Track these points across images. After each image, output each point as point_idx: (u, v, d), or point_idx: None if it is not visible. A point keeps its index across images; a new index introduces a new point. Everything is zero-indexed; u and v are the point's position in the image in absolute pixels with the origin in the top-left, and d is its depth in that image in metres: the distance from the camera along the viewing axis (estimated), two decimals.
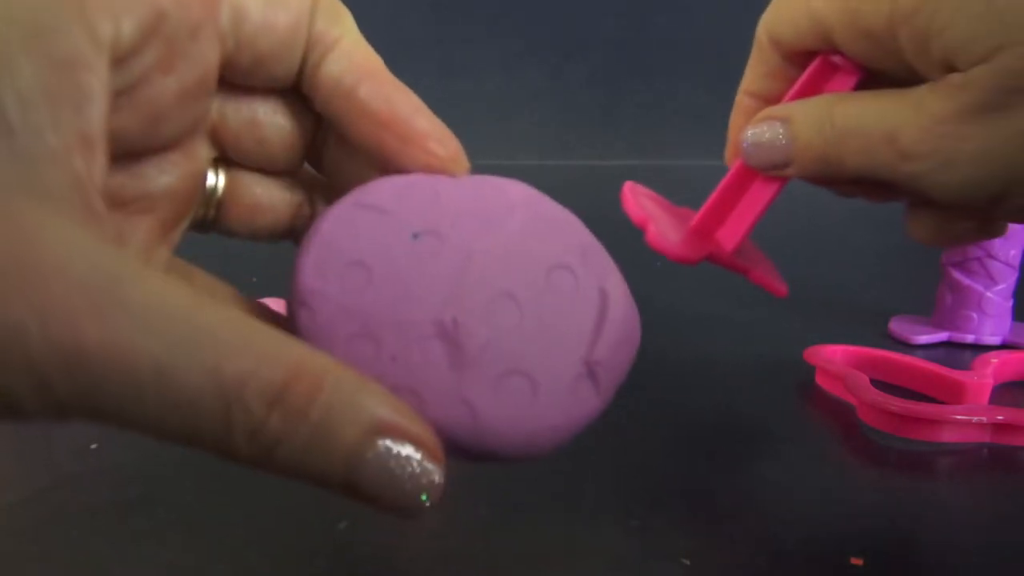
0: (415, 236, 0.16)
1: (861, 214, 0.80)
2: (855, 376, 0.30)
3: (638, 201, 0.24)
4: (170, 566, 0.19)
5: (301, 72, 0.17)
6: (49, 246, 0.12)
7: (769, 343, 0.37)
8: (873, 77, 0.22)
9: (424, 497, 0.15)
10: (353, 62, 0.17)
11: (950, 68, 0.19)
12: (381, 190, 0.16)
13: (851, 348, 0.33)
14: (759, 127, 0.22)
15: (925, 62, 0.19)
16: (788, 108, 0.22)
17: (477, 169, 0.18)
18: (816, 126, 0.21)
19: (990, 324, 0.37)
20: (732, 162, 0.25)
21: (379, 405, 0.15)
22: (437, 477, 0.15)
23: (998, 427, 0.27)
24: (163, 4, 0.15)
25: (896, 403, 0.27)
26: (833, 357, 0.32)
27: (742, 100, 0.25)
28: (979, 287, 0.37)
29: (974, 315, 0.37)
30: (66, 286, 0.12)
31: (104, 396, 0.13)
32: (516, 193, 0.17)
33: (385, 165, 0.17)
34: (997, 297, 0.37)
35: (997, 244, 0.36)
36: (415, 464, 0.15)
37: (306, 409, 0.14)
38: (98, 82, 0.13)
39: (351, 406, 0.14)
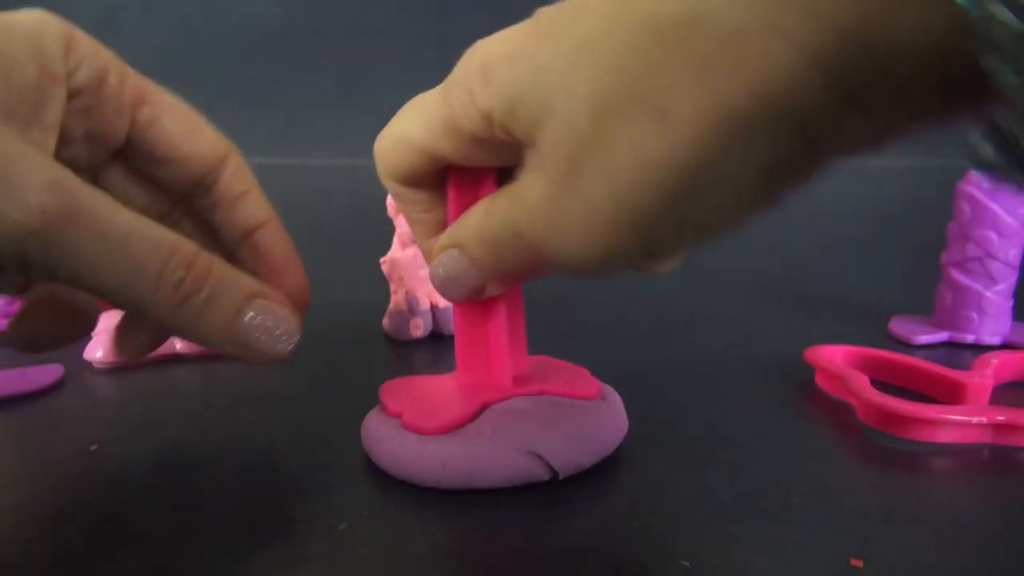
0: None
1: (862, 214, 0.80)
2: (855, 376, 0.30)
3: (391, 399, 0.25)
4: (169, 567, 0.19)
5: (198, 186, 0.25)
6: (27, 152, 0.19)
7: (769, 343, 0.37)
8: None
9: (293, 340, 0.21)
10: (262, 212, 0.25)
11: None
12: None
13: (851, 348, 0.33)
14: (439, 260, 0.22)
15: (522, 150, 0.19)
16: (454, 231, 0.22)
17: None
18: (482, 243, 0.21)
19: (990, 324, 0.37)
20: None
21: (252, 280, 0.21)
22: (296, 330, 0.21)
23: (998, 427, 0.27)
24: (109, 76, 0.22)
25: (896, 403, 0.27)
26: (833, 357, 0.32)
27: (426, 248, 0.25)
28: (979, 287, 0.37)
29: (974, 315, 0.37)
30: (63, 170, 0.19)
31: (77, 253, 0.18)
32: None
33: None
34: (997, 297, 0.37)
35: (997, 244, 0.36)
36: (281, 319, 0.21)
37: (208, 273, 0.20)
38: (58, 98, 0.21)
39: (235, 278, 0.21)
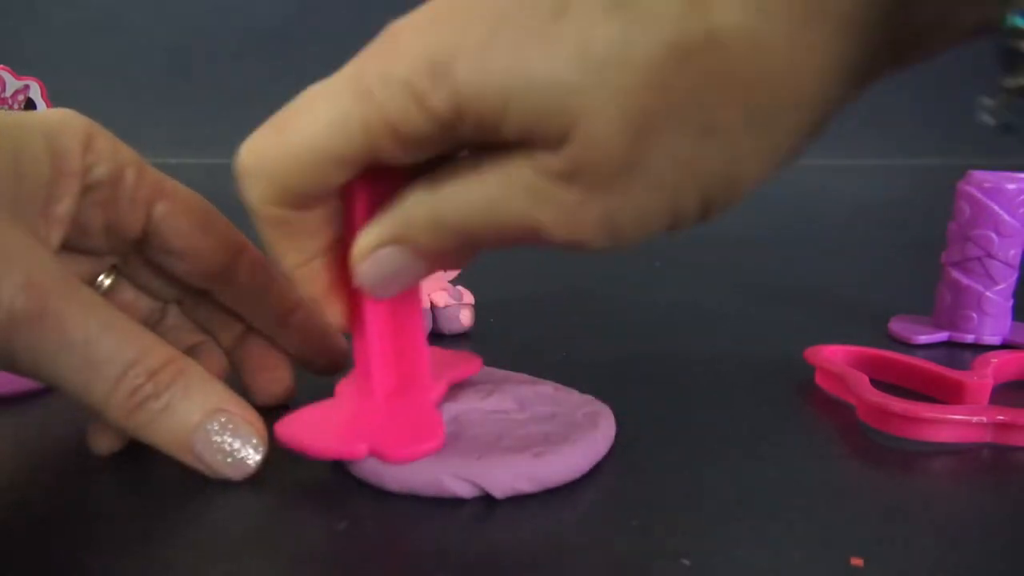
0: None
1: (862, 214, 0.80)
2: (855, 376, 0.30)
3: (291, 432, 0.22)
4: (168, 567, 0.19)
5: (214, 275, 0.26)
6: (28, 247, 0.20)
7: (769, 343, 0.37)
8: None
9: (251, 459, 0.21)
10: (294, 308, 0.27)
11: (536, 146, 0.17)
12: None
13: (851, 348, 0.33)
14: (373, 262, 0.20)
15: (506, 146, 0.17)
16: (387, 226, 0.19)
17: None
18: (438, 233, 0.19)
19: (990, 324, 0.37)
20: (349, 320, 0.23)
21: (222, 393, 0.21)
22: (259, 449, 0.22)
23: (998, 427, 0.27)
24: (126, 172, 0.23)
25: (896, 403, 0.27)
26: (833, 357, 0.32)
27: (300, 273, 0.21)
28: (979, 287, 0.37)
29: (974, 315, 0.37)
30: (44, 269, 0.20)
31: (36, 351, 0.19)
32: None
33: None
34: (997, 297, 0.37)
35: (997, 244, 0.36)
36: (244, 436, 0.21)
37: (172, 382, 0.20)
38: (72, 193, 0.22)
39: (202, 389, 0.21)
